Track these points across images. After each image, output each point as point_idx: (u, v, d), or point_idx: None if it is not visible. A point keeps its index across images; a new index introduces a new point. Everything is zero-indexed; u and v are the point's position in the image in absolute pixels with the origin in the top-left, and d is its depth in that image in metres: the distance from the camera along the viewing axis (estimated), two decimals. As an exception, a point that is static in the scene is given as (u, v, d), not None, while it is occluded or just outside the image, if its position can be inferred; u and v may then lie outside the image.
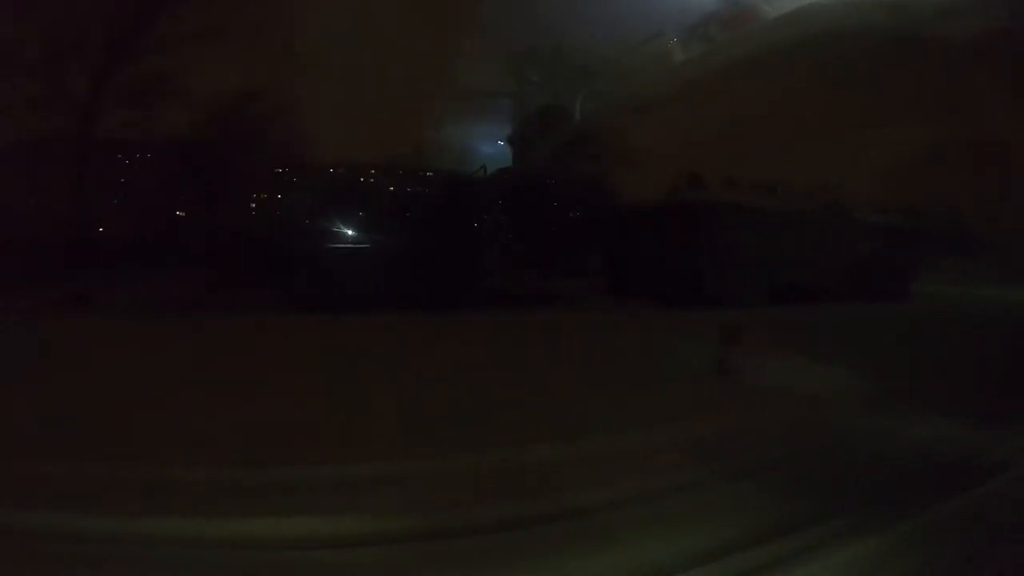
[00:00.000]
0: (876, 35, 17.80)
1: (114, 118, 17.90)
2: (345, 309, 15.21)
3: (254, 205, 20.89)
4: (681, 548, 3.85)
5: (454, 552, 3.92)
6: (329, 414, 6.63)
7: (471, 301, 16.91)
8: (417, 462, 5.17)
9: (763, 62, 19.59)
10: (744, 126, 21.85)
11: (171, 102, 17.69)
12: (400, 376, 8.49)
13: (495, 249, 21.61)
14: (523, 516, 4.29)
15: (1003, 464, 5.35)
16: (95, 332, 11.55)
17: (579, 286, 21.11)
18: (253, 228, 19.25)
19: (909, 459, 5.66)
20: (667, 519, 4.30)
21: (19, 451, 5.03)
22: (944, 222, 23.98)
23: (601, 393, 7.67)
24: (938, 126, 19.54)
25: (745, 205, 21.43)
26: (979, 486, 4.80)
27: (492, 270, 20.30)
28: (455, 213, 20.81)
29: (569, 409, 6.90)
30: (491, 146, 25.59)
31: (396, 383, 8.10)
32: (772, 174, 22.03)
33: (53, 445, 5.26)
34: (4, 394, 6.76)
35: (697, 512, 4.42)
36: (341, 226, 19.39)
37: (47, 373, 7.95)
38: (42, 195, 17.59)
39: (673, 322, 15.38)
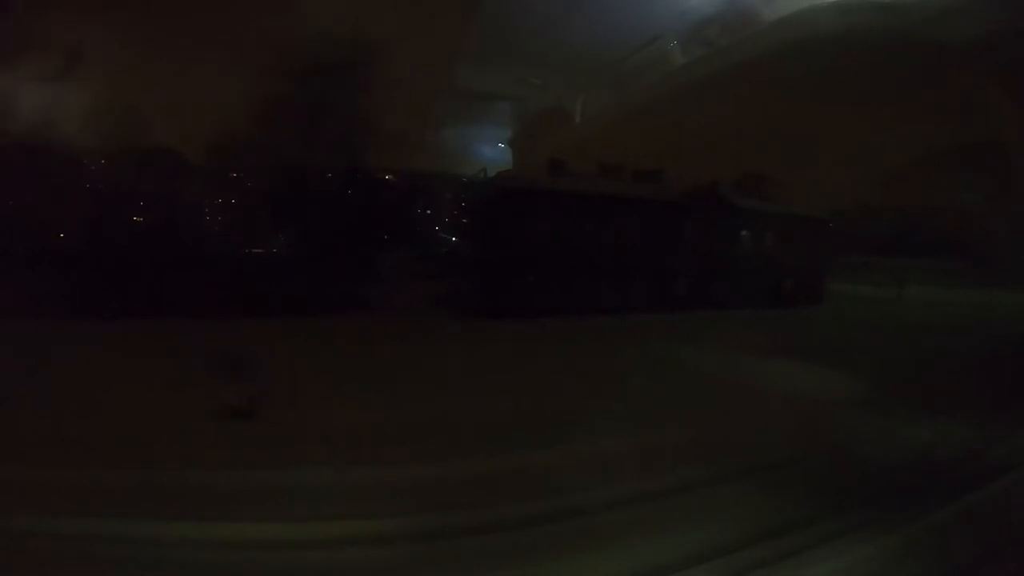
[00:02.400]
0: (874, 38, 17.86)
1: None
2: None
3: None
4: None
5: None
6: None
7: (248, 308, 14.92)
8: None
9: (762, 65, 19.64)
10: (742, 128, 21.91)
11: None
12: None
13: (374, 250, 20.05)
14: None
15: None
16: None
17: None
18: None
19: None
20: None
21: None
22: (905, 221, 23.00)
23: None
24: (937, 128, 19.57)
25: (582, 193, 18.35)
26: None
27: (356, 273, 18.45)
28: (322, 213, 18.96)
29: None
30: (492, 149, 25.58)
31: None
32: (768, 175, 22.02)
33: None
34: None
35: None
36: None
37: None
38: None
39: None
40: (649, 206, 18.93)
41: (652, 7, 20.65)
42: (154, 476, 5.21)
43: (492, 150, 25.18)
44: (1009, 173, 19.87)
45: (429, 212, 23.99)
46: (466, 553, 4.26)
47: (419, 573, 4.07)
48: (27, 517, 4.39)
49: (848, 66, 19.09)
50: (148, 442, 6.03)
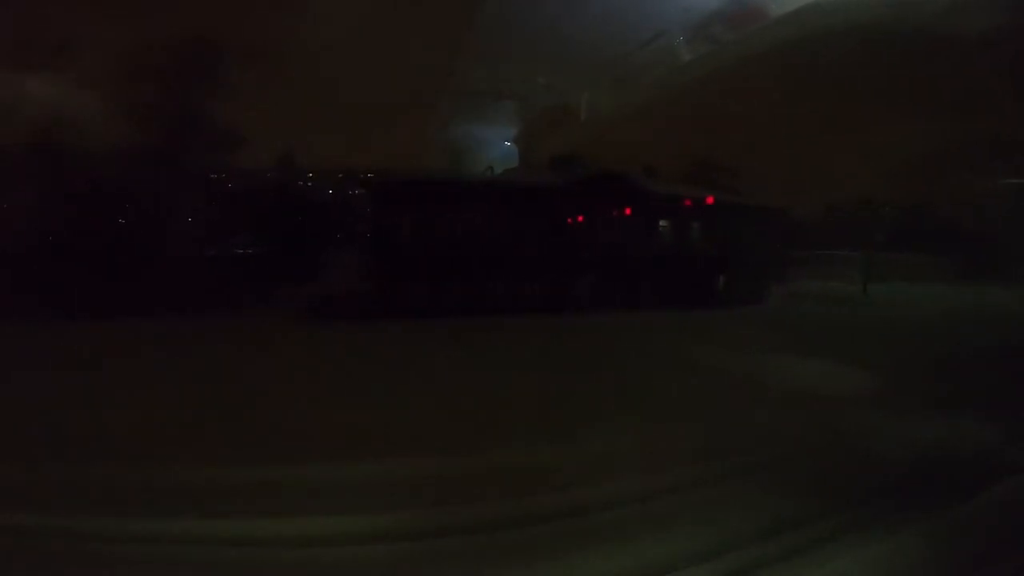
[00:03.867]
0: (879, 34, 17.75)
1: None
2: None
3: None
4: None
5: None
6: None
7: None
8: None
9: (768, 61, 19.55)
10: (748, 124, 21.83)
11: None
12: None
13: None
14: None
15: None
16: None
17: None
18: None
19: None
20: None
21: None
22: (906, 218, 22.39)
23: None
24: (941, 124, 19.48)
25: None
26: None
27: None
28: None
29: None
30: (498, 147, 25.55)
31: None
32: (772, 172, 21.93)
33: None
34: None
35: None
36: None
37: None
38: None
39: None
40: (550, 196, 17.45)
41: (656, 3, 20.58)
42: None
43: (499, 148, 25.21)
44: (1013, 170, 19.73)
45: (310, 210, 23.18)
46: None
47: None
48: None
49: (853, 62, 18.99)
50: None
